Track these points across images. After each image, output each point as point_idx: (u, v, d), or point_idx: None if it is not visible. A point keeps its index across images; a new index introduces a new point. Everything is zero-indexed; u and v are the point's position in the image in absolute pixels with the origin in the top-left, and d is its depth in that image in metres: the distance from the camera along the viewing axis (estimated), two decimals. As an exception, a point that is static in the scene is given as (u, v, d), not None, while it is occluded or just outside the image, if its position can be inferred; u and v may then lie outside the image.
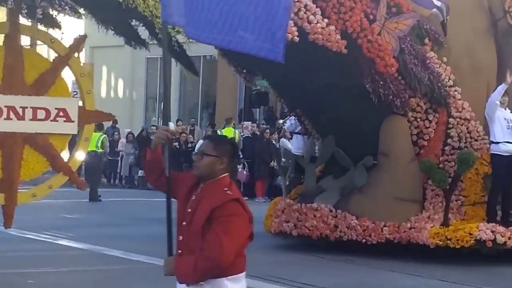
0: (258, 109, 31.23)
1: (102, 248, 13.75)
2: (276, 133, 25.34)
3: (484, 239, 12.61)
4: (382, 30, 13.06)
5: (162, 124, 5.87)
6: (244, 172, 24.69)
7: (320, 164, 14.67)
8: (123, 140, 29.56)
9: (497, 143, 13.12)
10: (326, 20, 12.70)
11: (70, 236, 15.19)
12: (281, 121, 25.73)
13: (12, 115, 11.05)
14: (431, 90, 13.54)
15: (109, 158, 27.74)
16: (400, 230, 13.09)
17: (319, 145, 14.90)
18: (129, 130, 30.47)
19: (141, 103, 37.61)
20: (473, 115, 13.88)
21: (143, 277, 11.08)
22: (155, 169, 5.59)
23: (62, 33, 11.91)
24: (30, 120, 11.13)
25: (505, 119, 13.20)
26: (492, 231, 12.69)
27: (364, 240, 13.23)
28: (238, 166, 24.44)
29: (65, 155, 11.84)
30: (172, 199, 5.49)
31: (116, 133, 29.90)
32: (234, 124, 27.08)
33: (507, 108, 13.35)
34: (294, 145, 16.89)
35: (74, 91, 13.90)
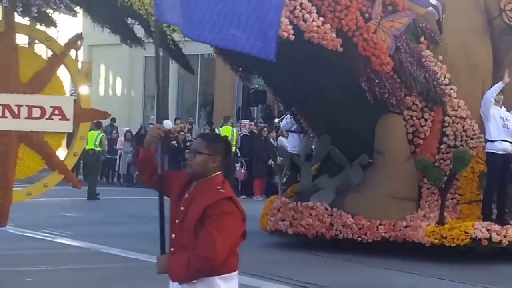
0: (256, 107, 31.26)
1: (101, 246, 13.77)
2: (274, 131, 25.35)
3: (479, 237, 12.61)
4: (378, 29, 13.06)
5: (156, 123, 5.87)
6: (242, 171, 24.71)
7: (316, 162, 14.68)
8: (121, 138, 29.57)
9: (493, 141, 13.12)
10: (321, 19, 12.70)
11: (68, 234, 15.20)
12: (277, 120, 25.73)
13: (7, 113, 11.06)
14: (426, 88, 13.55)
15: (107, 156, 27.74)
16: (395, 229, 13.10)
17: (315, 144, 14.90)
18: (128, 128, 30.47)
19: (139, 102, 37.63)
20: (469, 113, 13.89)
21: (141, 275, 11.08)
22: (148, 167, 5.59)
23: (58, 31, 11.88)
24: (25, 118, 11.14)
25: (500, 117, 13.20)
26: (488, 230, 12.70)
27: (359, 239, 13.24)
28: (236, 165, 24.46)
29: (62, 153, 11.84)
30: (166, 198, 5.50)
31: (114, 131, 29.92)
32: (232, 122, 27.09)
33: (502, 107, 13.35)
34: (290, 143, 16.91)
35: (72, 89, 13.93)
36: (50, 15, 11.71)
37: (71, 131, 11.69)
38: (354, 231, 13.26)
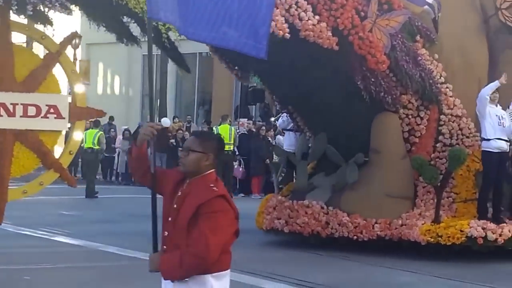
0: (254, 106, 31.25)
1: (99, 245, 13.77)
2: (272, 130, 25.36)
3: (475, 236, 12.60)
4: (374, 27, 13.06)
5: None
6: (240, 169, 24.72)
7: (312, 161, 14.68)
8: (119, 137, 29.59)
9: (488, 140, 13.11)
10: (317, 17, 12.71)
11: (66, 232, 15.21)
12: (273, 118, 25.74)
13: (2, 112, 11.10)
14: (422, 87, 13.55)
15: (106, 155, 27.76)
16: (391, 227, 13.10)
17: (311, 142, 14.91)
18: (126, 127, 30.49)
19: (138, 100, 37.65)
20: (465, 112, 13.90)
21: (139, 274, 11.06)
22: (141, 166, 5.58)
23: (54, 29, 11.89)
24: (20, 116, 11.18)
25: (496, 115, 13.19)
26: (483, 228, 12.68)
27: (355, 237, 13.24)
28: (234, 163, 24.47)
29: (59, 151, 11.86)
30: (159, 196, 5.50)
31: (112, 130, 29.96)
32: (230, 121, 27.09)
33: (498, 105, 13.35)
34: (286, 142, 16.90)
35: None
36: (45, 13, 11.71)
37: (66, 129, 11.72)
38: (350, 230, 13.26)
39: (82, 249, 13.62)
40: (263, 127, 25.31)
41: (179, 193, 5.31)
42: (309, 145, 15.10)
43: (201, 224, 5.10)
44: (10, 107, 11.07)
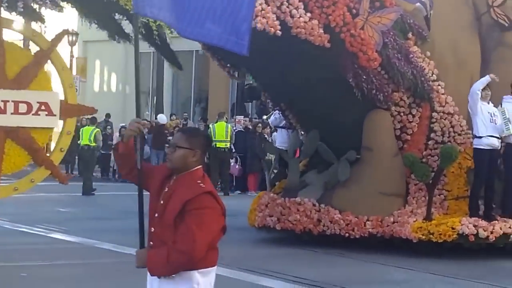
0: (250, 103, 31.28)
1: (95, 242, 13.79)
2: (268, 127, 25.35)
3: (466, 233, 12.61)
4: (365, 24, 13.05)
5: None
6: (237, 166, 24.73)
7: (304, 158, 14.69)
8: (116, 134, 29.54)
9: (480, 137, 13.10)
10: (308, 14, 12.71)
11: (63, 229, 15.22)
12: (265, 116, 25.75)
13: (-7, 109, 11.07)
14: (414, 84, 13.55)
15: (102, 152, 27.76)
16: (383, 224, 13.11)
17: (304, 139, 14.91)
18: (123, 124, 30.45)
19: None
20: (457, 109, 13.89)
21: (135, 270, 11.10)
22: (128, 162, 5.61)
23: (45, 26, 11.90)
24: (11, 114, 11.14)
25: (488, 112, 13.17)
26: (475, 226, 12.69)
27: (347, 234, 13.25)
28: (231, 160, 24.49)
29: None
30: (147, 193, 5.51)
31: (109, 127, 29.93)
32: (226, 118, 27.11)
33: (490, 102, 13.35)
34: (278, 139, 16.90)
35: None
36: (37, 10, 11.73)
37: (57, 126, 11.71)
38: (341, 227, 13.27)
39: (79, 246, 13.65)
40: (260, 124, 25.32)
41: (166, 189, 5.32)
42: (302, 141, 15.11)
43: (188, 221, 5.10)
44: (1, 104, 11.02)
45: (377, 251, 12.98)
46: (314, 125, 14.24)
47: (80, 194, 22.21)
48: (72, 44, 33.16)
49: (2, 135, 11.08)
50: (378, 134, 13.54)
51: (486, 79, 13.11)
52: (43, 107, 11.27)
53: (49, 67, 11.98)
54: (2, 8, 11.25)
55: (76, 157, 27.70)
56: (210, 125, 25.14)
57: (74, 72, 34.23)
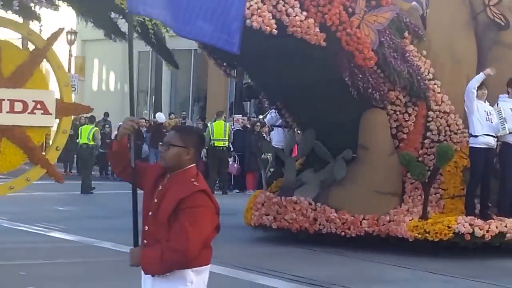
0: (249, 102, 31.27)
1: (94, 240, 13.79)
2: (266, 126, 25.35)
3: (462, 232, 12.61)
4: (361, 23, 13.05)
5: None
6: (235, 165, 24.73)
7: (300, 157, 14.70)
8: (114, 132, 29.58)
9: (476, 136, 13.10)
10: (304, 13, 12.71)
11: (62, 228, 15.23)
12: (261, 116, 25.76)
13: (-11, 107, 11.08)
14: (410, 83, 13.55)
15: (101, 151, 27.75)
16: (379, 223, 13.11)
17: (300, 138, 14.91)
18: (121, 123, 30.50)
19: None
20: (453, 108, 13.89)
21: (133, 269, 11.13)
22: (121, 160, 5.60)
23: (41, 25, 11.90)
24: (7, 112, 11.16)
25: (484, 111, 13.18)
26: (471, 224, 12.69)
27: (343, 233, 13.26)
28: (229, 159, 24.49)
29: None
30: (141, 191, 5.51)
31: (107, 126, 29.95)
32: (225, 117, 27.12)
33: (486, 101, 13.36)
34: (274, 138, 16.92)
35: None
36: (32, 9, 11.73)
37: (53, 125, 11.72)
38: (337, 226, 13.27)
39: (78, 245, 13.66)
40: (258, 123, 25.33)
41: (160, 188, 5.32)
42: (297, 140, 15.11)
43: (181, 219, 5.11)
44: (-4, 103, 11.06)
45: (373, 250, 12.99)
46: (310, 124, 14.24)
47: (79, 192, 22.23)
48: (70, 43, 33.22)
49: (-2, 134, 11.09)
50: (374, 133, 13.54)
51: (481, 76, 13.12)
52: (38, 106, 11.29)
53: (46, 66, 12.00)
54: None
55: (75, 156, 27.71)
56: (209, 124, 25.13)
57: (72, 71, 34.30)
